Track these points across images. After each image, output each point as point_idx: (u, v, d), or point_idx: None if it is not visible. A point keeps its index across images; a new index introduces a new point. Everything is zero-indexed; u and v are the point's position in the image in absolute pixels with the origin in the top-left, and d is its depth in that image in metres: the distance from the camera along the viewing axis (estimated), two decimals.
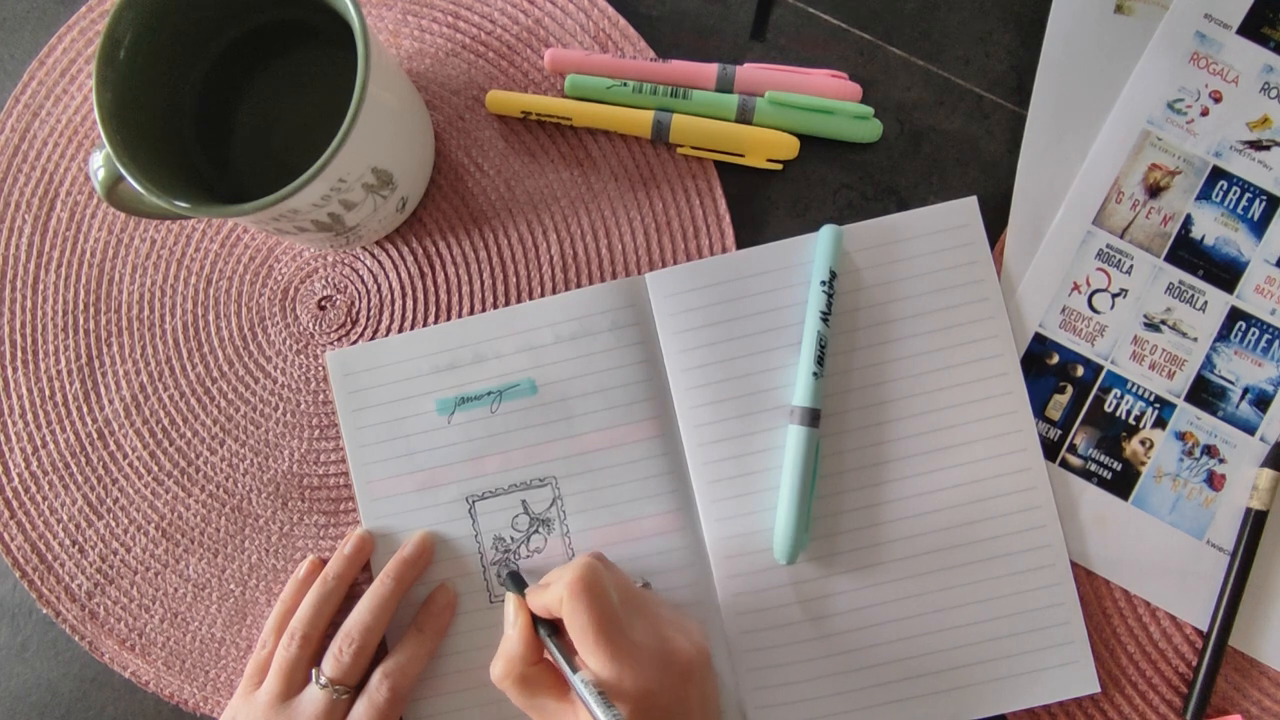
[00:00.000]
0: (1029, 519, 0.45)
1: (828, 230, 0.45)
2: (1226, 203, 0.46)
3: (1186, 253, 0.46)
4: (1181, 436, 0.46)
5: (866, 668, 0.44)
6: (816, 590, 0.45)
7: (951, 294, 0.46)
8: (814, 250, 0.46)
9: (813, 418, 0.44)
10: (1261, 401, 0.46)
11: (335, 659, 0.42)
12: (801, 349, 0.45)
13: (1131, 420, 0.46)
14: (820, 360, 0.44)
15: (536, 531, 0.45)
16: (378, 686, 0.42)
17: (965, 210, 0.46)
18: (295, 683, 0.43)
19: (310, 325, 0.48)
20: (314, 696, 0.42)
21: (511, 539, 0.46)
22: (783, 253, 0.46)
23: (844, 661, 0.44)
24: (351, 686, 0.42)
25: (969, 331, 0.46)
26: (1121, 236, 0.47)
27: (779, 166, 0.47)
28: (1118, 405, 0.46)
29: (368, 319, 0.48)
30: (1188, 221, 0.46)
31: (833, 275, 0.45)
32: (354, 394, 0.46)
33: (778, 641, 0.44)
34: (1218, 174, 0.47)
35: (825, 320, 0.45)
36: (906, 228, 0.46)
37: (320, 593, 0.44)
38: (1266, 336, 0.46)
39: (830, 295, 0.45)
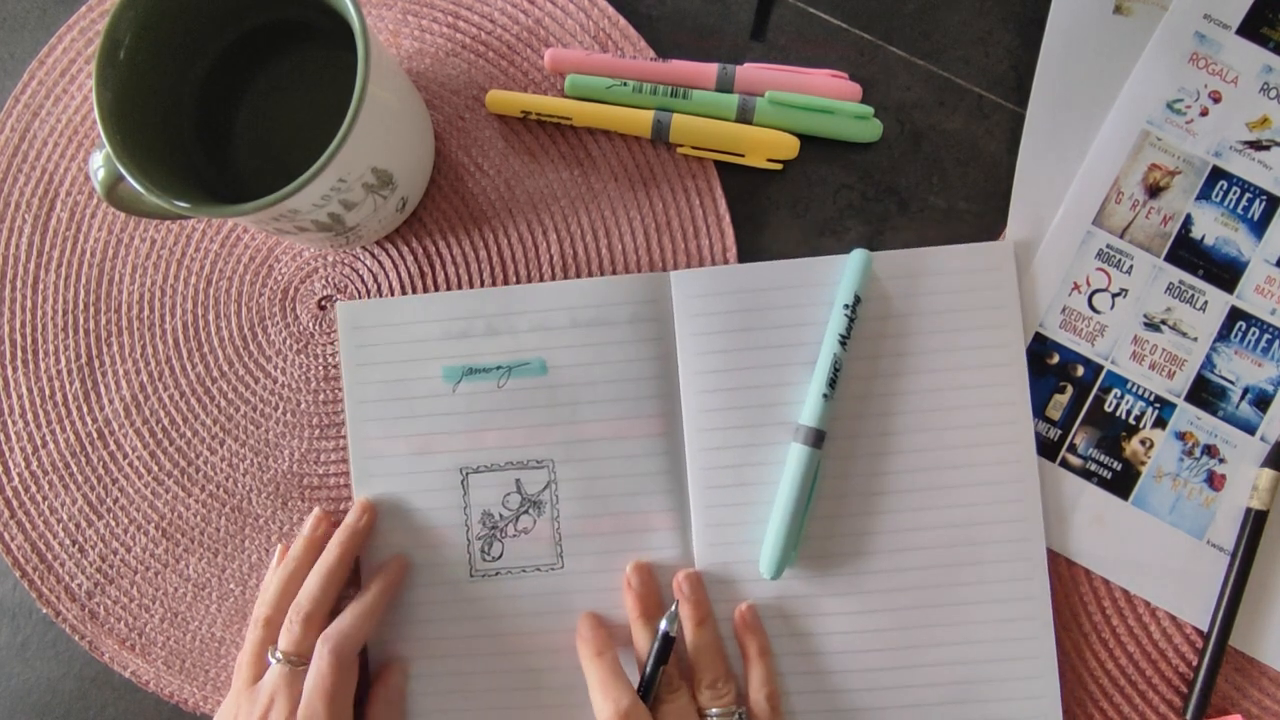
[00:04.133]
0: (1015, 569, 0.44)
1: (858, 254, 0.45)
2: (1226, 203, 0.46)
3: (1186, 253, 0.46)
4: (1181, 436, 0.46)
5: (842, 691, 0.44)
6: (799, 608, 0.44)
7: (974, 335, 0.45)
8: (841, 272, 0.45)
9: (817, 438, 0.44)
10: (1261, 401, 0.46)
11: (287, 631, 0.42)
12: (815, 369, 0.45)
13: (1131, 420, 0.46)
14: (833, 383, 0.44)
15: (526, 512, 0.45)
16: (319, 653, 0.41)
17: (1000, 253, 0.46)
18: (262, 666, 0.43)
19: (310, 325, 0.48)
20: (272, 672, 0.42)
21: (500, 516, 0.45)
22: (811, 270, 0.46)
23: (819, 681, 0.44)
24: (306, 659, 0.42)
25: (984, 375, 0.45)
26: (1121, 236, 0.47)
27: (779, 166, 0.47)
28: (1118, 405, 0.46)
29: None
30: (1188, 221, 0.46)
31: (857, 300, 0.44)
32: (361, 348, 0.46)
33: None
34: (1217, 174, 0.47)
35: (843, 344, 0.44)
36: (939, 262, 0.46)
37: (281, 575, 0.44)
38: (1266, 336, 0.46)
39: (851, 320, 0.44)
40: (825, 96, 0.47)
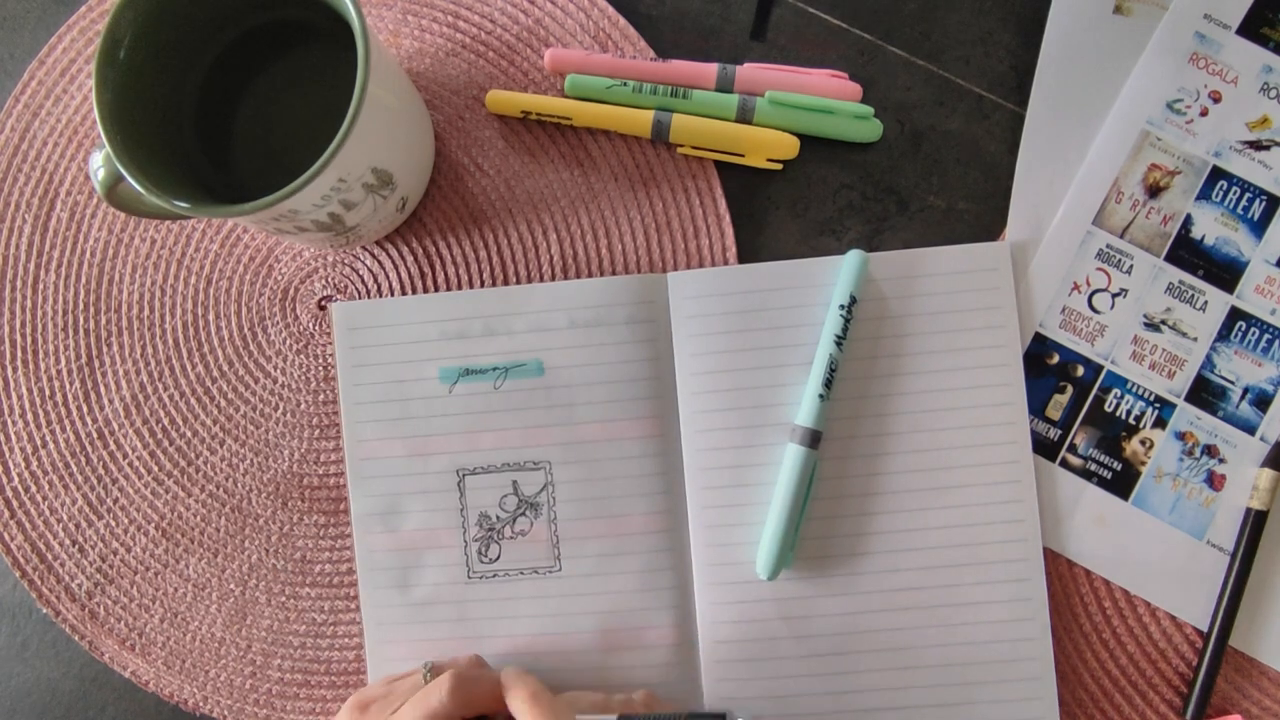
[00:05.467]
0: (1012, 570, 0.44)
1: (853, 255, 0.45)
2: (1226, 203, 0.46)
3: (1186, 253, 0.46)
4: (1181, 436, 0.46)
5: (839, 692, 0.44)
6: (796, 609, 0.44)
7: (970, 335, 0.45)
8: (838, 273, 0.45)
9: (813, 439, 0.44)
10: (1261, 401, 0.46)
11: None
12: (811, 370, 0.45)
13: (1131, 420, 0.46)
14: (829, 383, 0.44)
15: (523, 514, 0.45)
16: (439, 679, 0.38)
17: (996, 253, 0.46)
18: None
19: (310, 325, 0.48)
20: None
21: (497, 518, 0.45)
22: (807, 271, 0.46)
23: (816, 683, 0.44)
24: None
25: (981, 376, 0.45)
26: (1121, 236, 0.47)
27: (779, 166, 0.47)
28: (1118, 405, 0.46)
29: None
30: (1188, 221, 0.46)
31: (853, 300, 0.44)
32: (356, 349, 0.46)
33: (752, 655, 0.44)
34: (1217, 174, 0.47)
35: (839, 344, 0.44)
36: (935, 263, 0.46)
37: None
38: (1267, 336, 0.46)
39: (847, 320, 0.44)
40: (825, 96, 0.47)
